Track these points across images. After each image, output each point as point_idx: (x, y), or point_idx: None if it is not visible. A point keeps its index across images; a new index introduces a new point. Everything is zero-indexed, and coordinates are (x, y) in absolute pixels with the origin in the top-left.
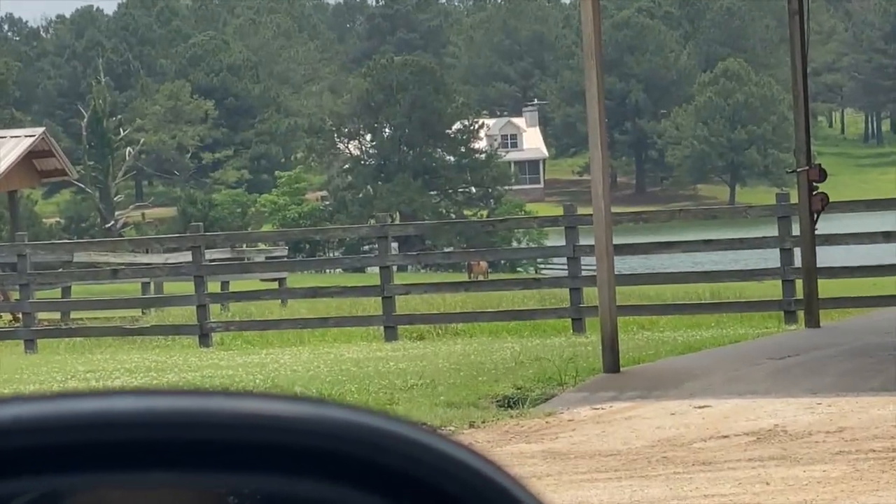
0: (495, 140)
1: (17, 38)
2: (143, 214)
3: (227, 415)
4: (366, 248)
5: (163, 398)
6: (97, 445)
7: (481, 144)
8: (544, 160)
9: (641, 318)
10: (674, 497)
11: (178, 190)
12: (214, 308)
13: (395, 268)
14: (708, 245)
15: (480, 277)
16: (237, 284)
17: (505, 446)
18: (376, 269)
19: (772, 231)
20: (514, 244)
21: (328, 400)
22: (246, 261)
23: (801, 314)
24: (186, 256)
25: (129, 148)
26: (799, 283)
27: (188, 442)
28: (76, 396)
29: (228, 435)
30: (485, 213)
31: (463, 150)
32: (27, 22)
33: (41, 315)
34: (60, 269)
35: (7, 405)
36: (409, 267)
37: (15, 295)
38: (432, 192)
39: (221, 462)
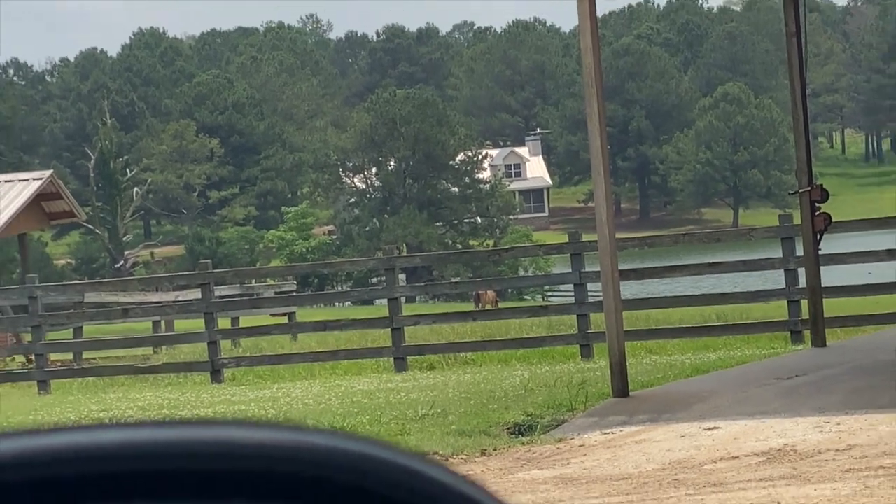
0: (499, 170)
1: (23, 83)
2: (152, 253)
3: (218, 443)
4: (374, 280)
5: (144, 429)
6: (80, 477)
7: (485, 175)
8: (548, 189)
9: (649, 342)
10: None
11: (186, 228)
12: (225, 344)
13: (403, 299)
14: (713, 268)
15: (489, 307)
16: (247, 320)
17: (517, 473)
18: (384, 301)
19: (776, 252)
20: (521, 272)
21: (295, 425)
22: (255, 296)
23: (807, 334)
24: (196, 294)
25: (136, 188)
26: (804, 304)
27: (170, 471)
28: (64, 430)
29: (221, 463)
30: (491, 242)
31: (467, 180)
32: (32, 66)
33: (53, 356)
34: (72, 310)
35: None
36: (418, 298)
37: (27, 337)
38: (438, 224)
39: (217, 492)
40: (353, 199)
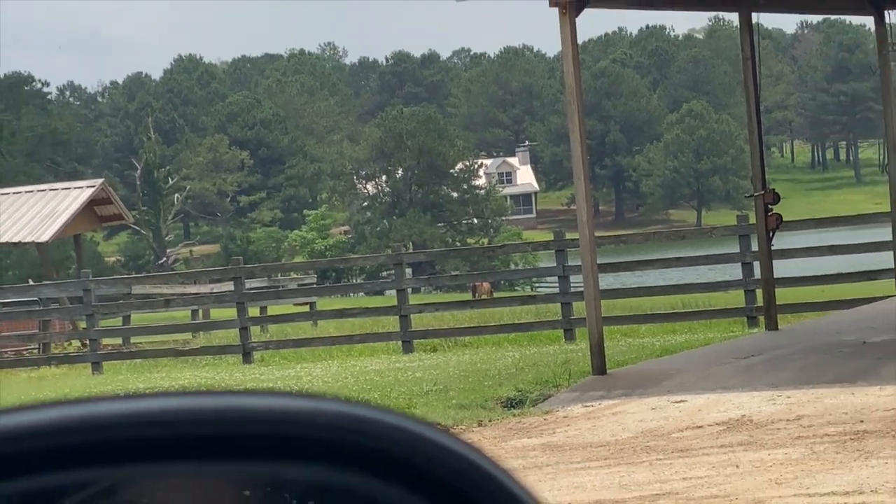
0: (492, 177)
1: (78, 103)
2: (190, 251)
3: (247, 410)
4: (384, 274)
5: (186, 398)
6: (131, 441)
7: (480, 182)
8: (535, 193)
9: (624, 326)
10: (656, 480)
11: (220, 229)
12: (255, 330)
13: (409, 290)
14: (679, 262)
15: (484, 296)
16: (274, 309)
17: (509, 441)
18: (394, 292)
19: (734, 248)
20: (512, 266)
21: (324, 395)
22: (280, 288)
23: (761, 319)
24: (229, 286)
25: (176, 194)
26: (759, 293)
27: (224, 435)
28: (113, 399)
29: (251, 428)
30: (485, 240)
31: (465, 186)
32: (85, 88)
33: (105, 341)
34: (121, 301)
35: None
36: (422, 289)
37: (82, 324)
38: (439, 224)
39: (247, 452)
40: (365, 204)
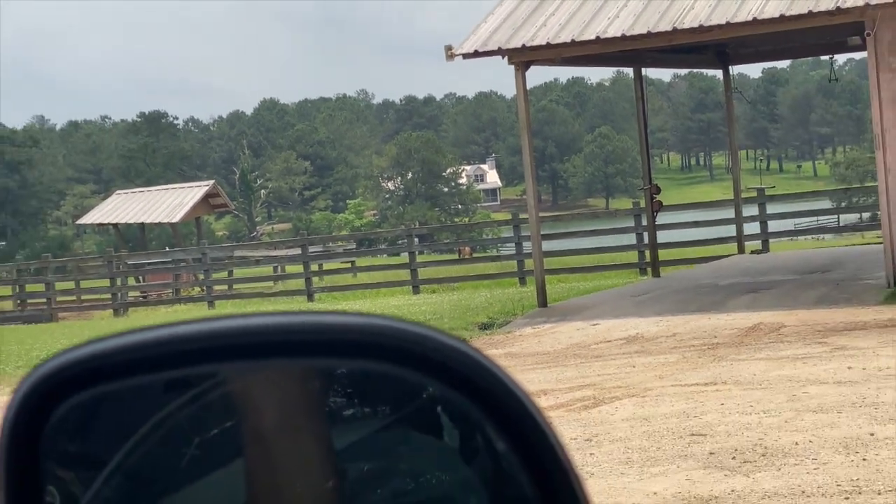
0: (471, 178)
1: (196, 130)
2: (272, 228)
3: (317, 324)
4: (399, 242)
5: (282, 316)
6: (246, 346)
7: (462, 181)
8: (499, 188)
9: (558, 276)
10: (580, 376)
11: (291, 213)
12: (315, 280)
13: (416, 252)
14: (594, 233)
15: (466, 256)
16: (327, 265)
17: (483, 352)
18: (406, 254)
19: (631, 223)
20: (484, 236)
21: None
22: (331, 252)
23: (649, 270)
24: (297, 251)
25: (262, 190)
26: (647, 253)
27: (297, 341)
28: (238, 317)
29: (318, 336)
30: (466, 219)
31: (452, 184)
32: (201, 120)
33: (217, 287)
34: (226, 260)
35: (190, 324)
36: (426, 251)
37: (201, 276)
38: (436, 209)
39: (315, 352)
40: (387, 196)
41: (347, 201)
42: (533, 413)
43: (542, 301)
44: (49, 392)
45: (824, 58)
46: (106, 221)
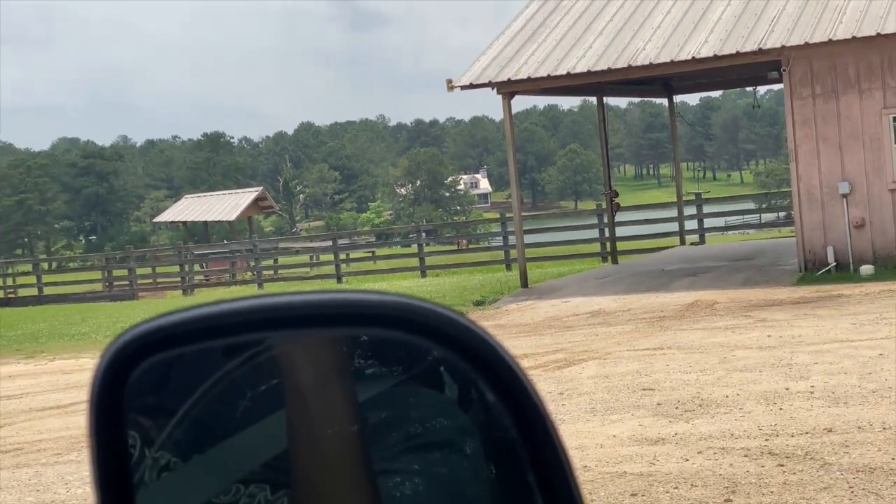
0: (467, 185)
1: (248, 147)
2: (309, 225)
3: (344, 300)
4: (410, 235)
5: (317, 294)
6: (289, 318)
7: (461, 187)
8: (490, 193)
9: (537, 263)
10: (554, 343)
11: (324, 213)
12: (343, 266)
13: (424, 244)
14: (565, 228)
15: (464, 248)
16: (353, 255)
17: (477, 323)
18: (416, 246)
19: (595, 221)
20: (478, 231)
21: (398, 293)
22: (356, 244)
23: (610, 258)
24: (329, 243)
25: (301, 195)
26: (608, 244)
27: (329, 314)
28: (277, 295)
29: (345, 310)
30: (464, 218)
31: (453, 190)
32: (252, 139)
33: (265, 272)
34: (272, 250)
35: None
36: (431, 243)
37: (252, 263)
38: (440, 210)
39: (343, 323)
40: (401, 199)
41: (369, 203)
42: (517, 371)
43: (524, 283)
44: (130, 355)
45: (749, 88)
46: (177, 220)
